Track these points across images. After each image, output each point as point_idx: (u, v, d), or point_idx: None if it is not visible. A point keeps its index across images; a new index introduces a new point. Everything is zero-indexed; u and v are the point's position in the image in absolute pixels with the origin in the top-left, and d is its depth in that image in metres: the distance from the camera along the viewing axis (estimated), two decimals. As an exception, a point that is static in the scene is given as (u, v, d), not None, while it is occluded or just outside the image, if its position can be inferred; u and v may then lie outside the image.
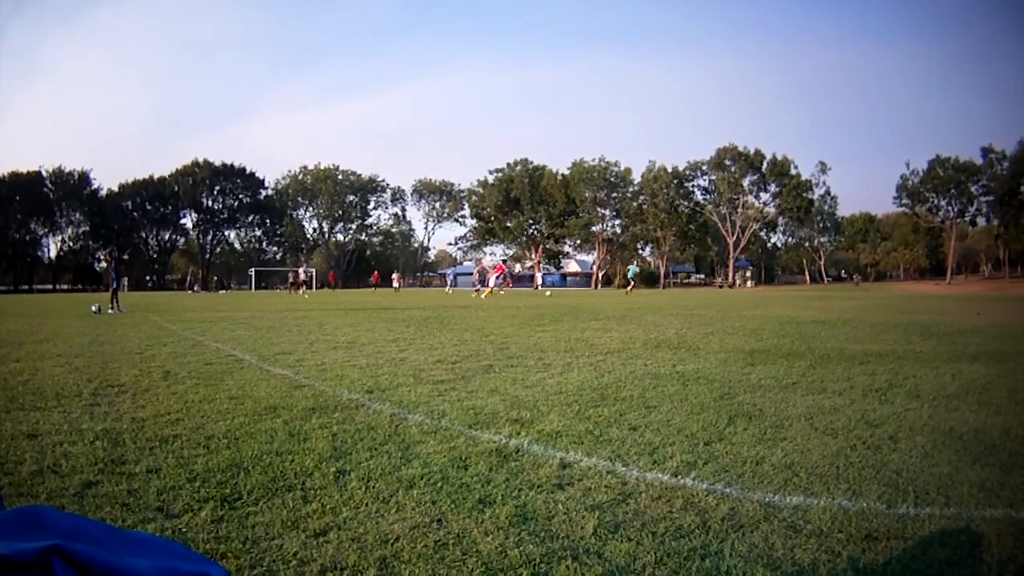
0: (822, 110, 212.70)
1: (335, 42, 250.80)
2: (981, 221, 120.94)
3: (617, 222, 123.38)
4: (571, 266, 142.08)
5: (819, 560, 2.98)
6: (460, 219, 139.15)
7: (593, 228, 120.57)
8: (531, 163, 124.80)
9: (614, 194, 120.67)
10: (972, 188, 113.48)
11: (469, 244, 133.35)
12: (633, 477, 4.01)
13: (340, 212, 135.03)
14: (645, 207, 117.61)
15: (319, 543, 3.05)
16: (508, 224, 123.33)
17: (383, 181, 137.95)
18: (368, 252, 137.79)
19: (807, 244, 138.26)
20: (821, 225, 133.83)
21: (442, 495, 3.65)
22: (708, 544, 3.12)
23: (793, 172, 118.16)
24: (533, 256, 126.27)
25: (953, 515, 3.50)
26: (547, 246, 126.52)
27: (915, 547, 3.13)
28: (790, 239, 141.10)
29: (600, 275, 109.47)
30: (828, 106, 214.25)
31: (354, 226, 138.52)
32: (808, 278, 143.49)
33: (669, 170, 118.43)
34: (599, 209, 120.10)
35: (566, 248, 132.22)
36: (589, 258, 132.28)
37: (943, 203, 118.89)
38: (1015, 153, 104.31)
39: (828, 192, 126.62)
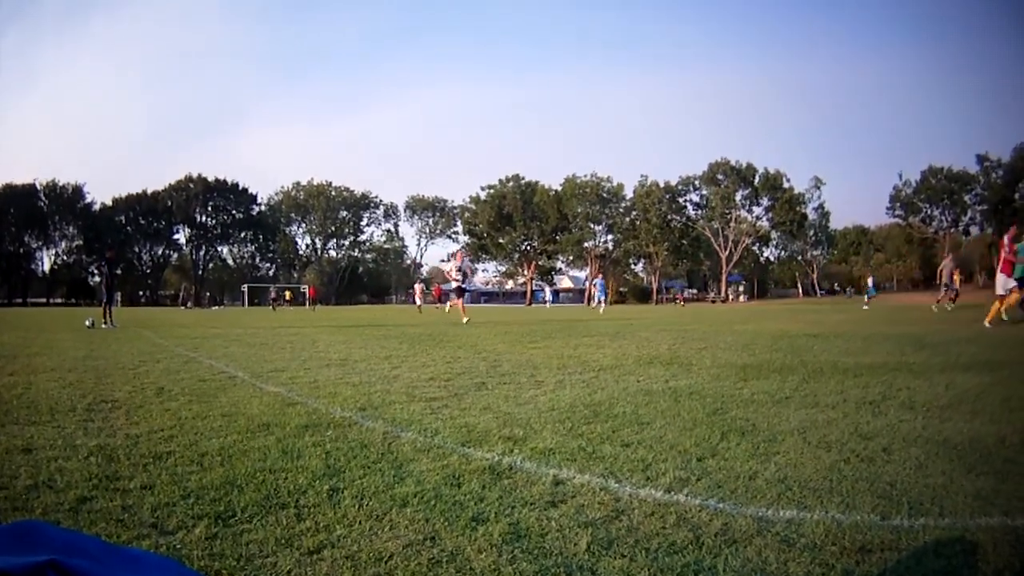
0: (816, 122, 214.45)
1: (331, 56, 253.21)
2: (975, 230, 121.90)
3: (609, 237, 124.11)
4: (564, 282, 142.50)
5: (813, 573, 2.95)
6: (453, 235, 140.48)
7: (585, 244, 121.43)
8: (523, 179, 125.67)
9: (606, 209, 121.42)
10: (966, 198, 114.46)
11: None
12: (626, 494, 4.00)
13: (333, 228, 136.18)
14: (638, 222, 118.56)
15: (313, 561, 3.05)
16: (500, 240, 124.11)
17: (376, 197, 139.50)
18: (361, 269, 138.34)
19: (800, 258, 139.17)
20: (814, 238, 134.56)
21: (435, 513, 3.66)
22: (701, 560, 3.08)
23: (786, 186, 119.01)
24: (526, 272, 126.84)
25: (948, 525, 3.51)
26: (540, 262, 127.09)
27: (910, 558, 3.16)
28: (783, 253, 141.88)
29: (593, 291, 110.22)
30: (822, 118, 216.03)
31: (347, 242, 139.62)
32: (801, 291, 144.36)
33: (661, 185, 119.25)
34: (591, 225, 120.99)
35: (559, 264, 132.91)
36: (582, 274, 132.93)
37: (936, 213, 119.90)
38: (1010, 161, 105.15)
39: (822, 207, 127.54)
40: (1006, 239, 20.68)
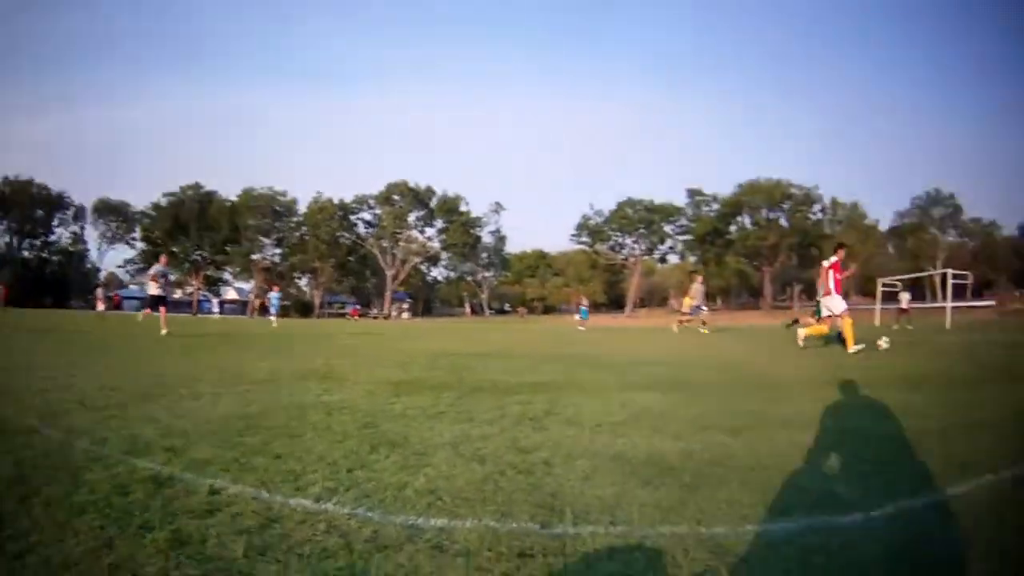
0: (510, 153, 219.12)
1: (57, 48, 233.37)
2: (673, 259, 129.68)
3: (278, 251, 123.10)
4: (230, 293, 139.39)
5: (469, 576, 3.33)
6: (131, 241, 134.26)
7: (253, 256, 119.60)
8: (203, 188, 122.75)
9: (278, 223, 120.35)
10: (667, 228, 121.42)
11: (136, 268, 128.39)
12: (278, 503, 4.24)
13: (29, 227, 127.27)
14: (307, 238, 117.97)
15: (19, 566, 3.29)
16: (175, 249, 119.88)
17: (69, 198, 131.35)
18: (48, 271, 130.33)
19: (470, 278, 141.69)
20: (487, 260, 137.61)
21: (109, 521, 3.84)
22: (354, 564, 3.36)
23: (463, 209, 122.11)
24: (194, 282, 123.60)
25: (622, 533, 3.75)
26: (208, 273, 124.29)
27: (578, 562, 3.41)
28: (452, 273, 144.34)
29: (257, 304, 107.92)
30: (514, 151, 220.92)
31: (38, 242, 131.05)
32: (470, 311, 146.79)
33: (336, 202, 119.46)
34: (261, 238, 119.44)
35: (226, 275, 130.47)
36: (247, 286, 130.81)
37: (628, 241, 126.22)
38: (729, 196, 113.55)
39: (499, 231, 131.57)
40: (836, 260, 19.06)
